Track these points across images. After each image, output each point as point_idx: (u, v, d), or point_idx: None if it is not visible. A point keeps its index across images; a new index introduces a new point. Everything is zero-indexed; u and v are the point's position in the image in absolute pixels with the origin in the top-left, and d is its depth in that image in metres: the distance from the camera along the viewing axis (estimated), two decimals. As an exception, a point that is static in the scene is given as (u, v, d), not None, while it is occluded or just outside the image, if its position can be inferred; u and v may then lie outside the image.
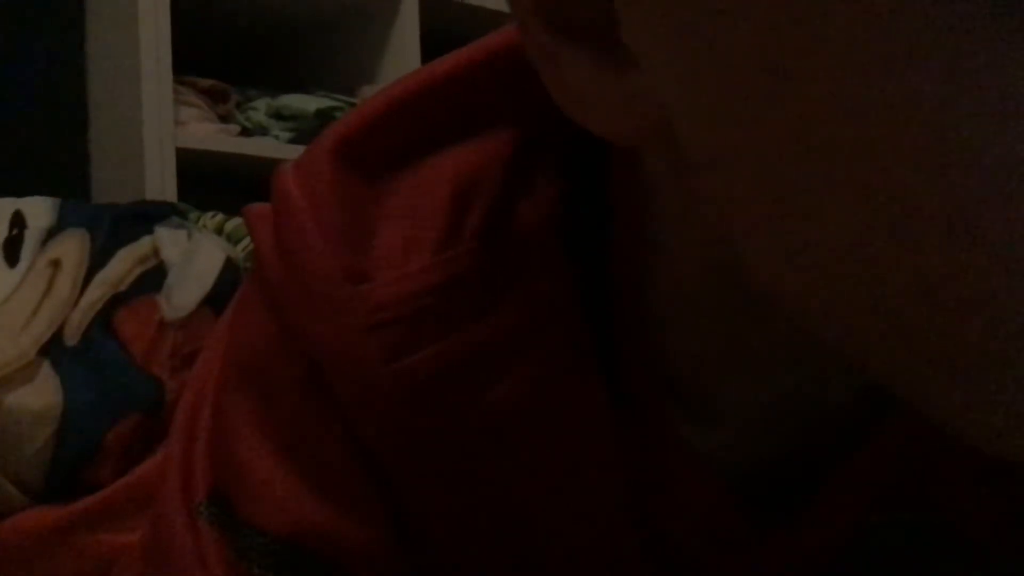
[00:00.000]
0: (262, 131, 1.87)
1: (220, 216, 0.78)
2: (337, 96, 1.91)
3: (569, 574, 0.38)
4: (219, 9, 1.90)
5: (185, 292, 0.69)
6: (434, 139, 0.34)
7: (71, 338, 0.66)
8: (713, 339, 0.34)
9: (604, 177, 0.33)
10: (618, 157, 0.33)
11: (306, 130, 1.83)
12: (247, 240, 0.73)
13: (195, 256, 0.71)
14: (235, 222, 0.76)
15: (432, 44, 1.86)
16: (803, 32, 0.20)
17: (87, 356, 0.66)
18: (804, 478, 0.37)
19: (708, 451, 0.36)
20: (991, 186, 0.20)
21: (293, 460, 0.36)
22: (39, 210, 0.71)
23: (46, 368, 0.65)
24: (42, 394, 0.64)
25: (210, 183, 1.68)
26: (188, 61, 1.74)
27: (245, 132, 1.85)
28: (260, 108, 1.88)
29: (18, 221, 0.70)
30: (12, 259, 0.69)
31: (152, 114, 1.65)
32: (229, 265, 0.71)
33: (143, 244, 0.71)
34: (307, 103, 1.88)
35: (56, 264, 0.69)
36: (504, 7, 0.27)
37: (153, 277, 0.69)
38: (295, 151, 1.77)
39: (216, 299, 0.69)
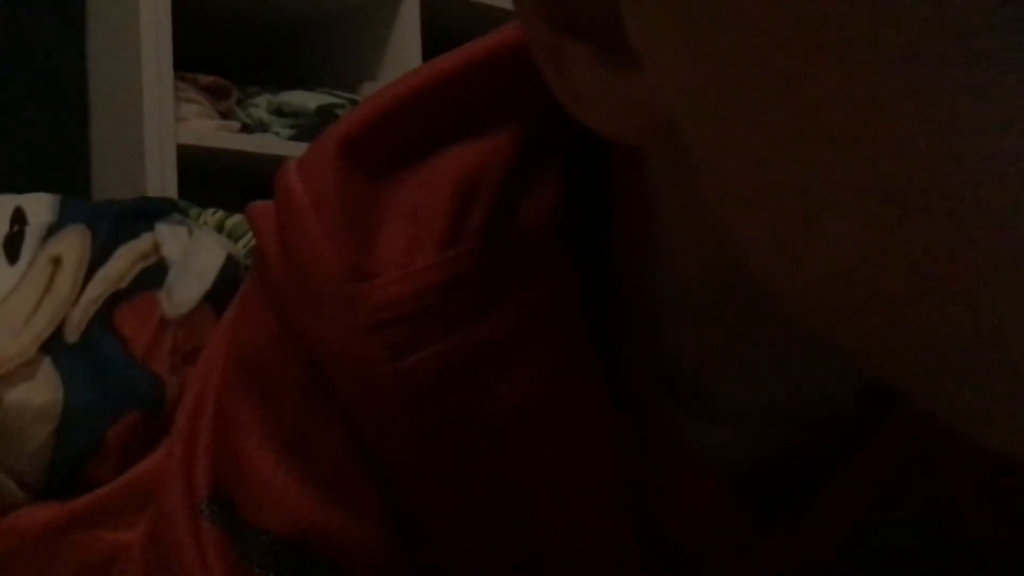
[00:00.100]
0: (263, 128, 1.87)
1: (221, 213, 0.78)
2: (338, 93, 1.91)
3: (570, 572, 0.38)
4: (220, 5, 1.90)
5: (186, 289, 0.69)
6: (437, 138, 0.34)
7: (72, 335, 0.66)
8: (714, 338, 0.34)
9: (606, 177, 0.33)
10: (619, 157, 0.33)
11: (307, 127, 1.83)
12: (248, 237, 0.73)
13: (196, 253, 0.71)
14: (236, 219, 0.76)
15: (433, 41, 1.86)
16: (805, 32, 0.20)
17: (88, 353, 0.65)
18: (804, 478, 0.37)
19: (708, 451, 0.36)
20: (993, 185, 0.20)
21: (294, 459, 0.36)
22: (40, 207, 0.71)
23: (47, 365, 0.64)
24: (42, 391, 0.64)
25: (211, 180, 1.68)
26: (189, 57, 1.74)
27: (246, 129, 1.85)
28: (261, 105, 1.88)
29: (19, 218, 0.70)
30: (13, 256, 0.69)
31: (153, 110, 1.65)
32: (230, 262, 0.71)
33: (144, 241, 0.71)
34: (308, 100, 1.88)
35: (57, 261, 0.68)
36: (506, 4, 0.27)
37: (154, 274, 0.69)
38: (296, 148, 1.77)
39: (217, 296, 0.69)
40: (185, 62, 1.72)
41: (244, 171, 1.74)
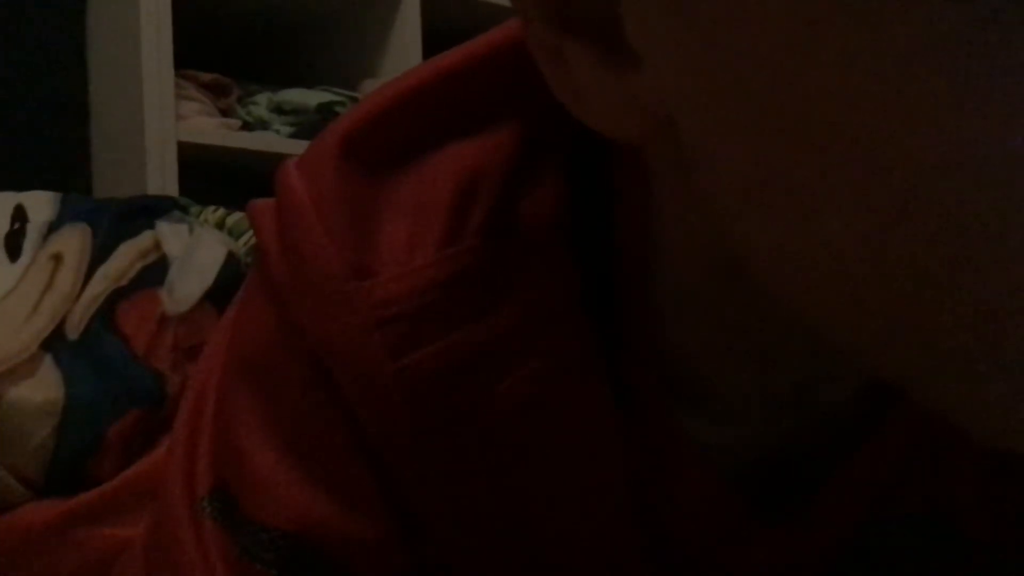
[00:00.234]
0: (263, 125, 1.87)
1: (221, 210, 0.78)
2: (338, 90, 1.91)
3: (571, 571, 0.38)
4: (220, 3, 1.90)
5: (187, 286, 0.68)
6: (437, 135, 0.34)
7: (72, 333, 0.66)
8: (714, 337, 0.34)
9: (606, 176, 0.33)
10: (620, 156, 0.33)
11: (307, 124, 1.83)
12: (249, 234, 0.73)
13: (196, 250, 0.71)
14: (236, 216, 0.76)
15: (434, 38, 1.86)
16: (805, 32, 0.20)
17: (89, 351, 0.65)
18: (805, 477, 0.37)
19: (709, 449, 0.36)
20: (993, 184, 0.20)
21: (296, 456, 0.36)
22: (40, 204, 0.71)
23: (48, 362, 0.64)
24: (44, 388, 0.64)
25: (211, 177, 1.68)
26: (189, 55, 1.74)
27: (246, 126, 1.85)
28: (261, 102, 1.88)
29: (19, 215, 0.70)
30: (13, 253, 0.68)
31: (153, 108, 1.65)
32: (230, 260, 0.71)
33: (144, 238, 0.70)
34: (308, 97, 1.88)
35: (57, 258, 0.68)
36: (507, 0, 0.27)
37: (155, 271, 0.69)
38: (296, 145, 1.77)
39: (218, 293, 0.69)
40: (185, 60, 1.72)
41: (245, 169, 1.73)
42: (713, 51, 0.22)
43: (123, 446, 0.64)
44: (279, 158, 0.36)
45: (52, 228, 0.70)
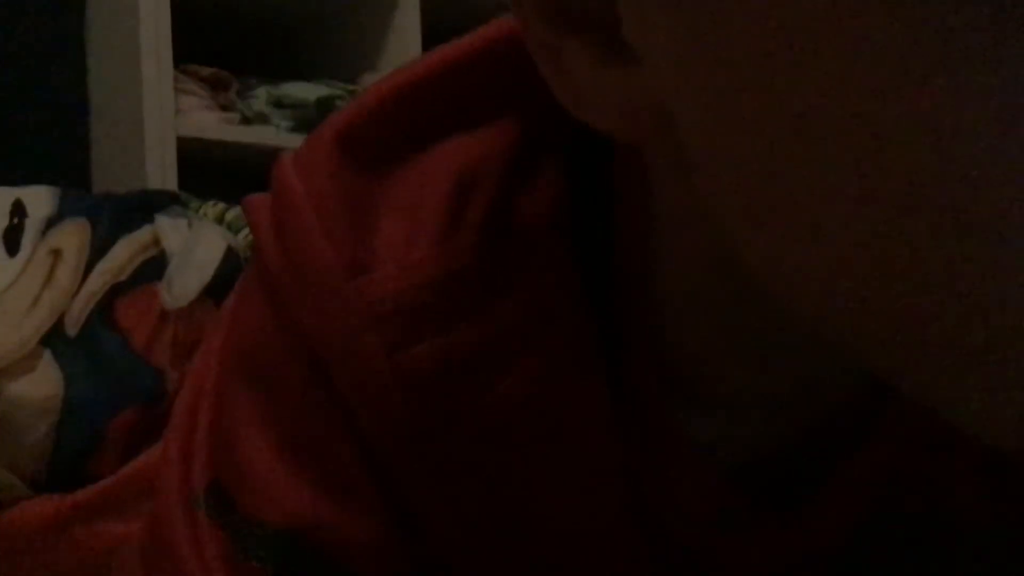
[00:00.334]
0: (263, 120, 1.87)
1: (221, 205, 0.78)
2: (338, 84, 1.91)
3: (571, 570, 0.38)
4: (220, -3, 1.90)
5: (186, 281, 0.68)
6: (434, 130, 0.34)
7: (72, 328, 0.66)
8: (714, 335, 0.34)
9: (606, 176, 0.33)
10: (620, 156, 0.33)
11: (306, 119, 1.83)
12: (248, 229, 0.73)
13: (196, 245, 0.71)
14: (236, 211, 0.76)
15: (433, 32, 1.86)
16: (804, 32, 0.20)
17: (88, 346, 0.65)
18: (805, 476, 0.37)
19: (710, 447, 0.36)
20: (993, 187, 0.20)
21: (293, 453, 0.35)
22: (39, 199, 0.71)
23: (47, 358, 0.64)
24: (43, 384, 0.64)
25: (211, 172, 1.68)
26: (189, 49, 1.74)
27: (246, 121, 1.85)
28: (261, 97, 1.88)
29: (18, 210, 0.70)
30: (13, 248, 0.68)
31: (153, 103, 1.65)
32: (230, 254, 0.71)
33: (144, 233, 0.70)
34: (308, 92, 1.88)
35: (57, 253, 0.68)
36: (505, -5, 0.27)
37: (154, 266, 0.69)
38: (296, 140, 1.77)
39: (217, 288, 0.69)
40: (185, 54, 1.72)
41: (244, 163, 1.73)
42: (712, 49, 0.22)
43: (122, 442, 0.64)
44: (278, 152, 0.36)
45: (51, 223, 0.70)
